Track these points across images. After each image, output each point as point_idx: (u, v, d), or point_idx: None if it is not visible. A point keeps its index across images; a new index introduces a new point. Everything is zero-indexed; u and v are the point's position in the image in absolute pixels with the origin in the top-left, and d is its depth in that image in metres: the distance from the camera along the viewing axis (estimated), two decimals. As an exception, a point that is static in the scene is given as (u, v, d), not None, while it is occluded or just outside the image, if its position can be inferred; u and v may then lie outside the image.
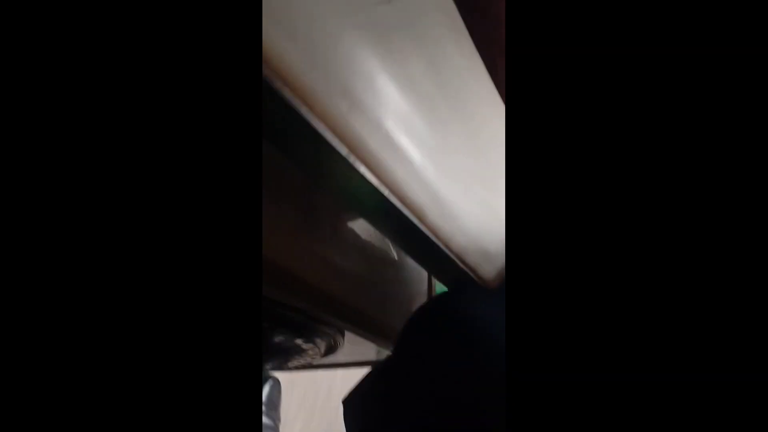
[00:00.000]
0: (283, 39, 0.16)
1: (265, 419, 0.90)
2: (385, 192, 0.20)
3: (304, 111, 0.16)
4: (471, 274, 0.33)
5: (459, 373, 0.28)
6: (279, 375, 0.98)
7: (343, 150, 0.18)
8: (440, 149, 0.25)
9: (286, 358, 0.50)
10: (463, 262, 0.31)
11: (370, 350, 0.48)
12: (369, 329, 0.44)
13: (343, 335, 0.45)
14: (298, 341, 0.43)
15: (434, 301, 0.33)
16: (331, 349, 0.46)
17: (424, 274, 0.58)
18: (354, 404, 0.34)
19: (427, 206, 0.23)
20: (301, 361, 0.52)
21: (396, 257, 0.50)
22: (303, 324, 0.41)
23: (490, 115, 0.36)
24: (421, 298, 0.56)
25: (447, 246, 0.28)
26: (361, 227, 0.48)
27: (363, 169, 0.19)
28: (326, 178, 0.20)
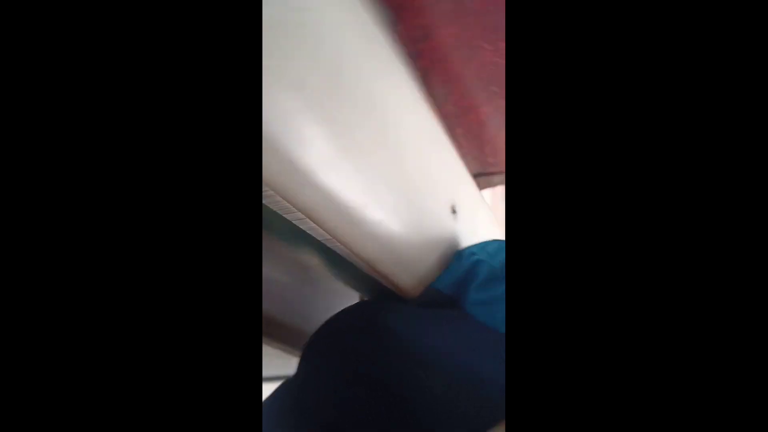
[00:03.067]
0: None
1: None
2: (270, 194, 0.19)
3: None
4: (384, 282, 0.32)
5: (370, 383, 0.27)
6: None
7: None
8: (341, 152, 0.24)
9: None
10: (374, 269, 0.30)
11: (292, 364, 0.46)
12: (291, 343, 0.43)
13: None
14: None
15: (347, 310, 0.32)
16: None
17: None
18: (263, 419, 0.32)
19: (322, 212, 0.22)
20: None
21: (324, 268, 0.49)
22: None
23: (402, 114, 0.35)
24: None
25: (355, 253, 0.27)
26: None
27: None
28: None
